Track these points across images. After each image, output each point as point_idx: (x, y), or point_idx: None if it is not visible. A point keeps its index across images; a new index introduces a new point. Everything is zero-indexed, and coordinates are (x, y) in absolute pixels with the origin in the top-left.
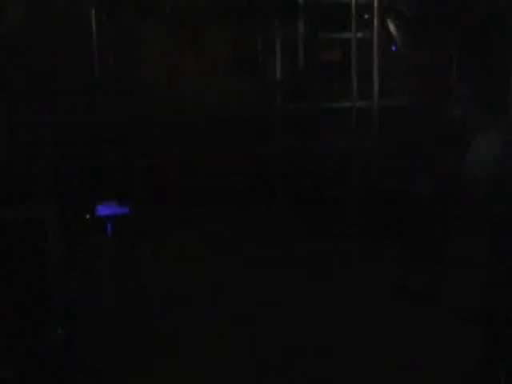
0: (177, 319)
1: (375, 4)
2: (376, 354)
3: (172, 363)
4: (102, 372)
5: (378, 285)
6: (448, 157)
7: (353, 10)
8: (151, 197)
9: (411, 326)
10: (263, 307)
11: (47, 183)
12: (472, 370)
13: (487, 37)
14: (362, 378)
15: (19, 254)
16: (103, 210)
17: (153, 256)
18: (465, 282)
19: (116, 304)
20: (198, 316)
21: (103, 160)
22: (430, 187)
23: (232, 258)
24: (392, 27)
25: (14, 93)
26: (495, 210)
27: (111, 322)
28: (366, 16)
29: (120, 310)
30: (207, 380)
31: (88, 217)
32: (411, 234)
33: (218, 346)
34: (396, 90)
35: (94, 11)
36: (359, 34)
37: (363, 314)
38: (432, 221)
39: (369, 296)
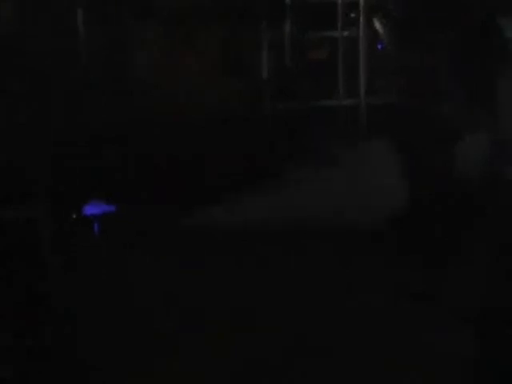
0: (177, 319)
1: (361, 2)
2: (376, 354)
3: (172, 363)
4: (102, 372)
5: (377, 284)
6: (436, 156)
7: (339, 9)
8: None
9: (411, 326)
10: (259, 306)
11: (37, 182)
12: (471, 369)
13: (476, 36)
14: (361, 378)
15: (9, 253)
16: (90, 209)
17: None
18: (462, 281)
19: (114, 303)
20: (198, 315)
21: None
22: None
23: (230, 257)
24: (378, 25)
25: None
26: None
27: (111, 321)
28: (353, 15)
29: (119, 308)
30: (207, 380)
31: (75, 216)
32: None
33: (218, 346)
34: (383, 88)
35: (82, 11)
36: (346, 33)
37: (363, 313)
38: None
39: (368, 295)
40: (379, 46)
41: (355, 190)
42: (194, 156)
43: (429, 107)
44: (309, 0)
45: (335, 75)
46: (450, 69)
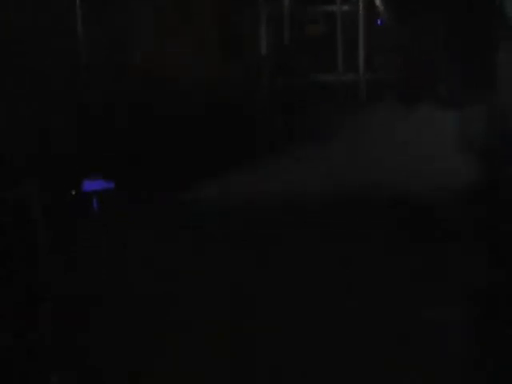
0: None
1: None
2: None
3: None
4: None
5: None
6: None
7: None
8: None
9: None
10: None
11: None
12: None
13: (474, 10)
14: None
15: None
16: (89, 185)
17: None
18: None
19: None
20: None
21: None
22: None
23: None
24: (378, 0)
25: None
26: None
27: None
28: None
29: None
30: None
31: (74, 192)
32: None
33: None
34: (382, 64)
35: None
36: (345, 7)
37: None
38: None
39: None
40: (378, 22)
41: (354, 165)
42: (193, 132)
43: (426, 83)
44: None
45: (334, 50)
46: (448, 46)
